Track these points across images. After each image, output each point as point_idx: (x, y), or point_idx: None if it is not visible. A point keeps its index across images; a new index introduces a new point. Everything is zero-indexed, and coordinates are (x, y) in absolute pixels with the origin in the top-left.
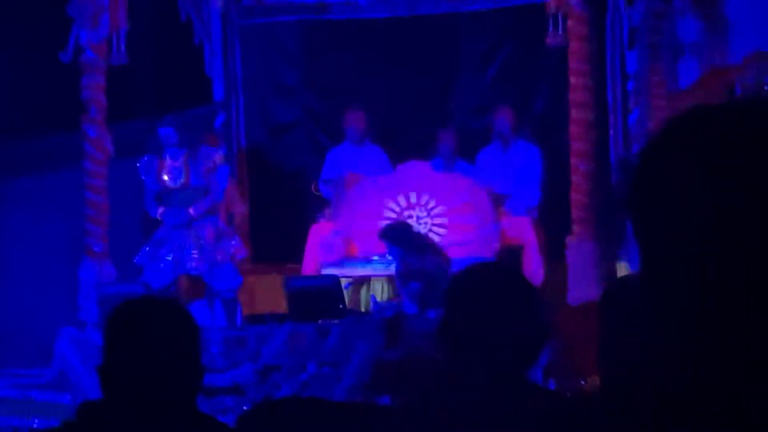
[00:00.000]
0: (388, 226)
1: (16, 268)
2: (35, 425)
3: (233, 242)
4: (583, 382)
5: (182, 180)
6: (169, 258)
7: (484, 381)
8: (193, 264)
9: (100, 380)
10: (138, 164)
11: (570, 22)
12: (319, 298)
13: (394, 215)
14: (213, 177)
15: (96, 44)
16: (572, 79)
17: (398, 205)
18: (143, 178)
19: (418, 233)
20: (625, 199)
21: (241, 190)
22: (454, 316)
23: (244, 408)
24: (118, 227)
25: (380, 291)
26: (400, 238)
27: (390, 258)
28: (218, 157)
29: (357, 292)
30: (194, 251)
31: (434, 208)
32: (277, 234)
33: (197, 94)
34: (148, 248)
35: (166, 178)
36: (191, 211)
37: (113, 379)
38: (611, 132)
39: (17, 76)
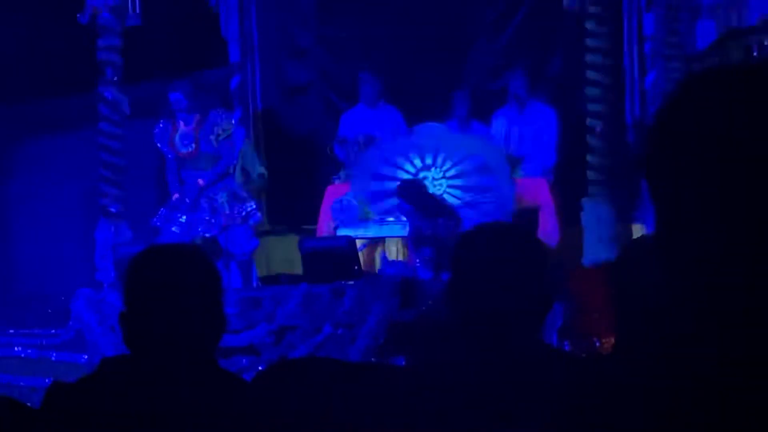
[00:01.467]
0: (402, 183)
1: (33, 230)
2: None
3: (247, 205)
4: (598, 344)
5: (193, 146)
6: (183, 220)
7: (494, 342)
8: (205, 227)
9: (120, 327)
10: (154, 130)
11: None
12: (334, 260)
13: (408, 176)
14: (223, 143)
15: (112, 5)
16: (589, 41)
17: (413, 166)
18: (158, 144)
19: (432, 195)
20: (640, 160)
21: (257, 152)
22: (460, 276)
23: (260, 368)
24: (134, 188)
25: (395, 253)
26: (414, 197)
27: (403, 219)
28: (227, 123)
29: (372, 253)
30: (206, 215)
31: (449, 170)
32: (293, 196)
33: (213, 56)
34: (164, 210)
35: (177, 143)
36: (200, 181)
37: (133, 325)
38: (627, 94)
39: (33, 37)
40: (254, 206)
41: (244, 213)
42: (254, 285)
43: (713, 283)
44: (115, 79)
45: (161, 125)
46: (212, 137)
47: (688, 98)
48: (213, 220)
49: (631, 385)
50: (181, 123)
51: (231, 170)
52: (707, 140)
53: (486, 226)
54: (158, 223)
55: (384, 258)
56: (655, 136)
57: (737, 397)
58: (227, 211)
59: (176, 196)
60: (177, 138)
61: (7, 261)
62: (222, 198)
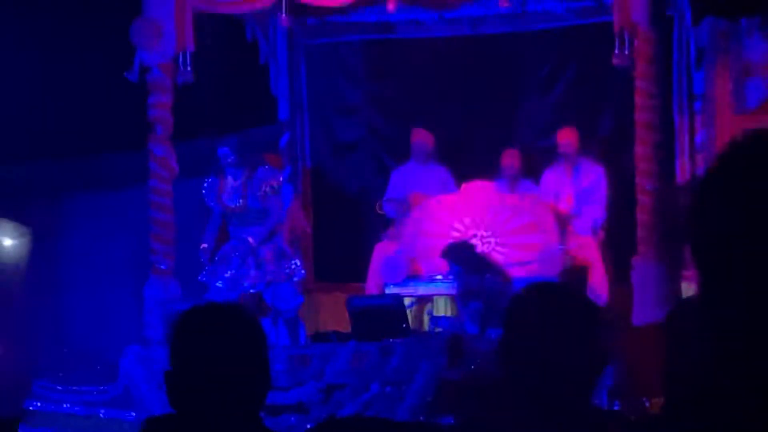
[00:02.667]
0: (450, 245)
1: (83, 286)
2: None
3: (293, 262)
4: (647, 404)
5: (240, 201)
6: (227, 275)
7: (544, 403)
8: (251, 282)
9: (166, 386)
10: (203, 186)
11: (636, 42)
12: (383, 317)
13: (458, 234)
14: (270, 199)
15: (163, 63)
16: (638, 100)
17: (462, 224)
18: (206, 200)
19: (479, 253)
20: (687, 223)
21: (306, 209)
22: (513, 335)
23: (308, 426)
24: (184, 245)
25: (443, 310)
26: (461, 258)
27: (451, 278)
28: (275, 180)
29: (420, 311)
30: (252, 270)
31: (498, 228)
32: (341, 253)
33: (263, 114)
34: (211, 266)
35: (225, 199)
36: (251, 239)
37: (178, 384)
38: (677, 152)
39: (84, 95)
40: (299, 263)
41: (288, 270)
42: (302, 342)
43: (757, 352)
44: (165, 135)
45: (210, 181)
46: (259, 193)
47: (737, 160)
48: (259, 276)
49: None
50: (230, 178)
51: (279, 227)
52: (756, 204)
53: (537, 286)
54: (204, 279)
55: (431, 314)
56: (701, 198)
57: None
58: (273, 268)
59: (223, 251)
60: (225, 193)
61: (57, 316)
62: (268, 255)
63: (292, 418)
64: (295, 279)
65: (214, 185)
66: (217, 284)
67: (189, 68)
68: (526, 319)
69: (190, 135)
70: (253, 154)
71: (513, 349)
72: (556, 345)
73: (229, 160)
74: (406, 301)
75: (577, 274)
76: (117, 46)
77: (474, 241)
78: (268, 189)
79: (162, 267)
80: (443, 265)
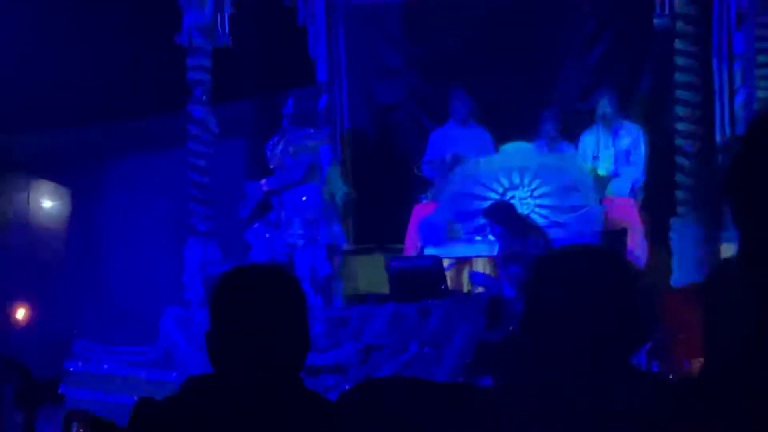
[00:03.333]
0: (492, 205)
1: (123, 248)
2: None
3: (320, 229)
4: (687, 365)
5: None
6: (267, 236)
7: (581, 367)
8: (283, 246)
9: (207, 346)
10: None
11: (677, 3)
12: (422, 279)
13: (497, 196)
14: (299, 159)
15: (201, 26)
16: (678, 60)
17: (501, 185)
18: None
19: (521, 215)
20: (725, 182)
21: (344, 171)
22: (546, 293)
23: (346, 387)
24: (223, 207)
25: (483, 271)
26: (503, 218)
27: (492, 238)
28: (300, 141)
29: (459, 273)
30: (287, 234)
31: (537, 189)
32: (380, 215)
33: (301, 76)
34: (258, 224)
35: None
36: (263, 182)
37: (219, 344)
38: (717, 113)
39: (123, 58)
40: (338, 228)
41: (315, 235)
42: (334, 305)
43: None
44: (204, 98)
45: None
46: (290, 154)
47: None
48: (290, 240)
49: (719, 407)
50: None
51: (295, 184)
52: None
53: (574, 249)
54: (250, 238)
55: (473, 273)
56: (740, 158)
57: None
58: (301, 232)
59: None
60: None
61: (98, 279)
62: (297, 219)
63: (330, 379)
64: (323, 243)
65: (271, 142)
66: (259, 243)
67: (227, 31)
68: (559, 281)
69: (229, 97)
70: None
71: (542, 313)
72: (589, 308)
73: (288, 111)
74: (445, 262)
75: (615, 236)
76: (156, 8)
77: (513, 202)
78: (292, 149)
79: (201, 229)
80: (482, 226)
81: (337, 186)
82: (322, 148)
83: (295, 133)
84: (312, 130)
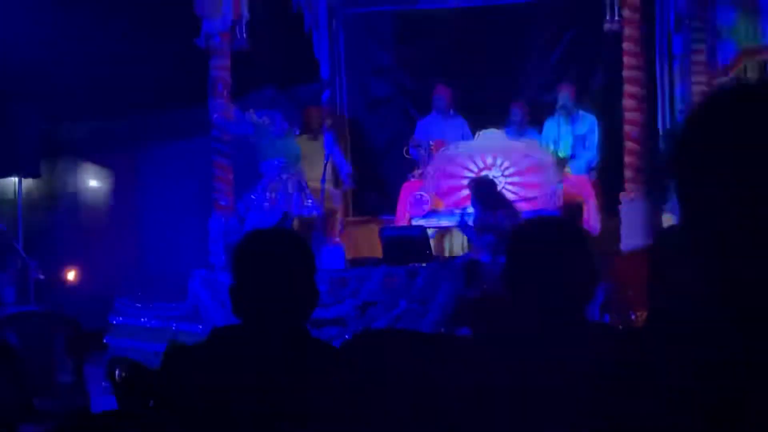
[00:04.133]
0: (476, 179)
1: (157, 221)
2: (176, 344)
3: (309, 200)
4: (633, 317)
5: None
6: (266, 204)
7: (546, 316)
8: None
9: (230, 298)
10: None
11: (624, 11)
12: (409, 245)
13: (473, 175)
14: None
15: (222, 31)
16: (626, 59)
17: (476, 166)
18: None
19: (497, 191)
20: (669, 163)
21: (346, 155)
22: (516, 261)
23: (346, 337)
24: (240, 185)
25: (460, 240)
26: (483, 194)
27: (470, 211)
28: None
29: (440, 240)
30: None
31: (507, 169)
32: (374, 191)
33: (307, 74)
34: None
35: None
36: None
37: (241, 298)
38: (659, 104)
39: (157, 60)
40: (313, 202)
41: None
42: (342, 266)
43: (729, 268)
44: (225, 93)
45: None
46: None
47: (711, 110)
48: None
49: (661, 350)
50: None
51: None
52: (727, 146)
53: (538, 218)
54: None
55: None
56: (681, 142)
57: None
58: (294, 200)
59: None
60: None
61: (136, 247)
62: (292, 188)
63: (333, 330)
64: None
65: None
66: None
67: (244, 35)
68: (529, 246)
69: (245, 92)
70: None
71: (518, 272)
72: (554, 268)
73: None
74: (429, 231)
75: (573, 209)
76: (184, 17)
77: (481, 176)
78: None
79: (223, 203)
80: (460, 201)
81: (341, 167)
82: (326, 135)
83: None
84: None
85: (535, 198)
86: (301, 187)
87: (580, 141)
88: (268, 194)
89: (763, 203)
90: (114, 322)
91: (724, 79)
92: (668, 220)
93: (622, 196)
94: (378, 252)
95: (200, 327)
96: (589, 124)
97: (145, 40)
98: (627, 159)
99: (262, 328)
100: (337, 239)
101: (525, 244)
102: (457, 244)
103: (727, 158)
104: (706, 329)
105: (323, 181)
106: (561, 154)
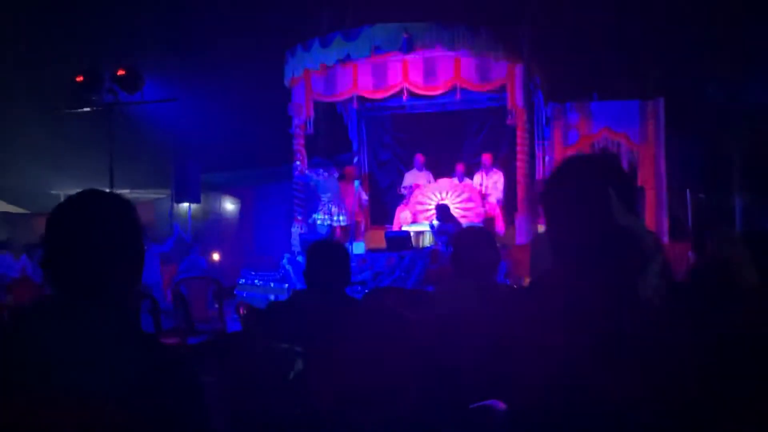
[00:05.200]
0: (438, 205)
1: (264, 227)
2: (272, 298)
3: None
4: (522, 281)
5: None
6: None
7: (476, 280)
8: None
9: (303, 275)
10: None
11: (518, 113)
12: (400, 241)
13: (435, 201)
14: (320, 185)
15: (299, 125)
16: (519, 140)
17: (437, 197)
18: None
19: (449, 212)
20: (540, 197)
21: (366, 191)
22: (457, 249)
23: (366, 291)
24: (307, 208)
25: (428, 238)
26: (442, 212)
27: (435, 222)
28: (317, 177)
29: (417, 238)
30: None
31: (454, 199)
32: (382, 211)
33: (345, 147)
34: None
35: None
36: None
37: (307, 274)
38: (538, 165)
39: (266, 137)
40: (343, 218)
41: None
42: (363, 254)
43: (565, 254)
44: (300, 158)
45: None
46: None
47: (557, 171)
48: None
49: (537, 297)
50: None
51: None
52: (562, 191)
53: (469, 227)
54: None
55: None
56: (545, 185)
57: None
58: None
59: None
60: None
61: (252, 241)
62: (334, 210)
63: (357, 287)
64: (346, 224)
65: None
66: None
67: (311, 126)
68: (464, 242)
69: (311, 156)
70: (339, 166)
71: (457, 256)
72: (479, 252)
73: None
74: (411, 233)
75: (489, 222)
76: (284, 117)
77: (442, 203)
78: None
79: (298, 217)
80: (428, 218)
81: (363, 198)
82: (356, 181)
83: (315, 173)
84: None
85: (469, 216)
86: (339, 210)
87: (493, 185)
88: (321, 214)
89: (563, 220)
90: (240, 282)
91: (569, 152)
92: (540, 228)
93: (516, 215)
94: (383, 244)
95: (286, 286)
96: (497, 175)
97: (262, 128)
98: (519, 195)
99: (319, 290)
100: (361, 238)
101: (461, 240)
102: (427, 241)
103: (560, 195)
104: (558, 285)
105: (353, 206)
106: (483, 192)
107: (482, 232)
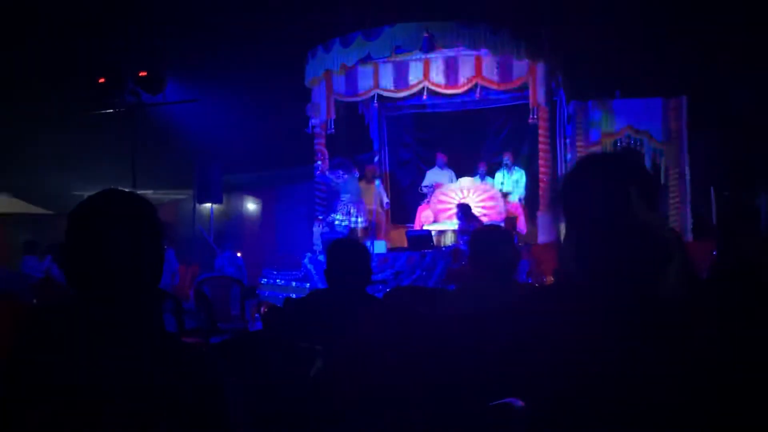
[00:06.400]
0: (460, 204)
1: (286, 226)
2: (293, 296)
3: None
4: (545, 279)
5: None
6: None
7: (493, 279)
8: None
9: (324, 274)
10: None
11: (539, 111)
12: (422, 240)
13: (457, 200)
14: (341, 186)
15: (320, 124)
16: (541, 138)
17: (458, 196)
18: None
19: (471, 211)
20: (560, 195)
21: (387, 191)
22: (476, 248)
23: (387, 290)
24: (329, 208)
25: (450, 237)
26: (463, 211)
27: (457, 221)
28: (336, 178)
29: (439, 237)
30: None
31: (476, 198)
32: (404, 210)
33: (366, 146)
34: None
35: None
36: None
37: (328, 272)
38: (558, 163)
39: (286, 138)
40: (362, 218)
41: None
42: (384, 252)
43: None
44: (322, 158)
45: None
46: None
47: (577, 168)
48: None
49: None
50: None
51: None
52: (585, 189)
53: (487, 226)
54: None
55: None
56: (563, 187)
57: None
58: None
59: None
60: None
61: (274, 241)
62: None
63: (379, 286)
64: (366, 225)
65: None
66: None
67: (332, 126)
68: (484, 241)
69: (333, 156)
70: (359, 166)
71: (479, 255)
72: (495, 252)
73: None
74: (433, 232)
75: (511, 221)
76: (303, 117)
77: (463, 202)
78: (336, 180)
79: (320, 216)
80: (450, 217)
81: (381, 199)
82: (377, 180)
83: (335, 174)
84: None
85: (490, 215)
86: (358, 211)
87: (515, 184)
88: (340, 214)
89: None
90: (262, 282)
91: (592, 150)
92: (563, 228)
93: (538, 213)
94: (405, 243)
95: (307, 285)
96: (520, 174)
97: (283, 128)
98: (541, 193)
99: (340, 289)
100: (382, 238)
101: (479, 239)
102: (448, 240)
103: (581, 193)
104: (579, 284)
105: (374, 205)
106: (504, 191)
107: (500, 231)
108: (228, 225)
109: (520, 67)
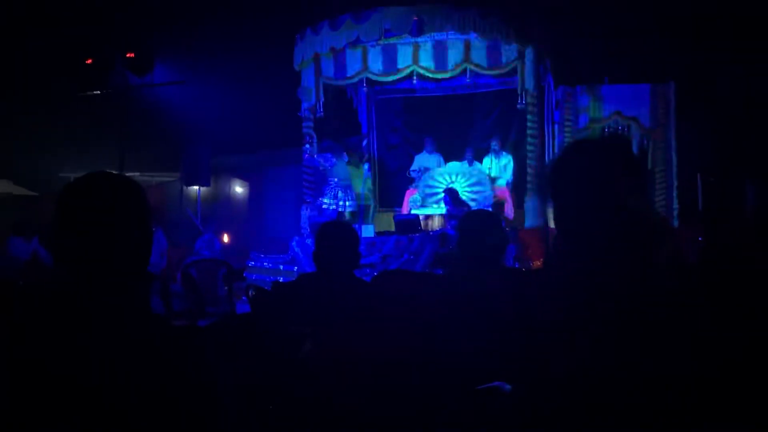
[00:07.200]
0: (447, 188)
1: (273, 209)
2: (281, 280)
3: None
4: (531, 264)
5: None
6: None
7: (481, 263)
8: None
9: (313, 257)
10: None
11: (528, 97)
12: (409, 224)
13: (444, 185)
14: (329, 170)
15: (308, 107)
16: (529, 123)
17: (446, 181)
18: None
19: (458, 195)
20: (547, 180)
21: (374, 176)
22: (462, 231)
23: (374, 274)
24: (317, 191)
25: (437, 222)
26: (451, 195)
27: (445, 206)
28: (324, 161)
29: (426, 222)
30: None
31: (464, 183)
32: (392, 194)
33: (355, 130)
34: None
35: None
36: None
37: (317, 255)
38: (547, 148)
39: (275, 119)
40: (351, 202)
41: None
42: (371, 236)
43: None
44: (309, 140)
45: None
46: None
47: (564, 154)
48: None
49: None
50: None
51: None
52: (574, 174)
53: (475, 210)
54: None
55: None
56: (551, 172)
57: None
58: (343, 201)
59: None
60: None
61: (261, 224)
62: (342, 194)
63: (367, 270)
64: (354, 208)
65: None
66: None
67: (321, 109)
68: (472, 225)
69: (321, 139)
70: (347, 149)
71: (465, 238)
72: (486, 234)
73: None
74: (421, 216)
75: (498, 206)
76: (291, 99)
77: (451, 187)
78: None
79: (308, 200)
80: (437, 201)
81: (367, 183)
82: (365, 164)
83: (323, 158)
84: (327, 157)
85: (477, 199)
86: (346, 195)
87: (502, 169)
88: (328, 198)
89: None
90: (249, 265)
91: (579, 136)
92: (550, 213)
93: (526, 198)
94: (392, 227)
95: (295, 268)
96: (507, 160)
97: (272, 111)
98: (528, 178)
99: (328, 272)
100: (370, 222)
101: (467, 223)
102: (436, 224)
103: (568, 178)
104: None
105: (362, 189)
106: (492, 176)
107: (488, 215)
108: (215, 207)
109: (509, 51)
